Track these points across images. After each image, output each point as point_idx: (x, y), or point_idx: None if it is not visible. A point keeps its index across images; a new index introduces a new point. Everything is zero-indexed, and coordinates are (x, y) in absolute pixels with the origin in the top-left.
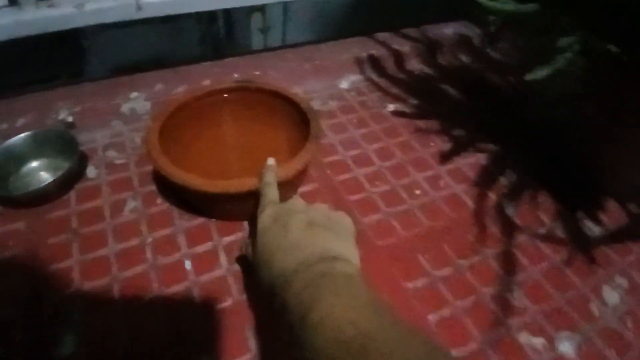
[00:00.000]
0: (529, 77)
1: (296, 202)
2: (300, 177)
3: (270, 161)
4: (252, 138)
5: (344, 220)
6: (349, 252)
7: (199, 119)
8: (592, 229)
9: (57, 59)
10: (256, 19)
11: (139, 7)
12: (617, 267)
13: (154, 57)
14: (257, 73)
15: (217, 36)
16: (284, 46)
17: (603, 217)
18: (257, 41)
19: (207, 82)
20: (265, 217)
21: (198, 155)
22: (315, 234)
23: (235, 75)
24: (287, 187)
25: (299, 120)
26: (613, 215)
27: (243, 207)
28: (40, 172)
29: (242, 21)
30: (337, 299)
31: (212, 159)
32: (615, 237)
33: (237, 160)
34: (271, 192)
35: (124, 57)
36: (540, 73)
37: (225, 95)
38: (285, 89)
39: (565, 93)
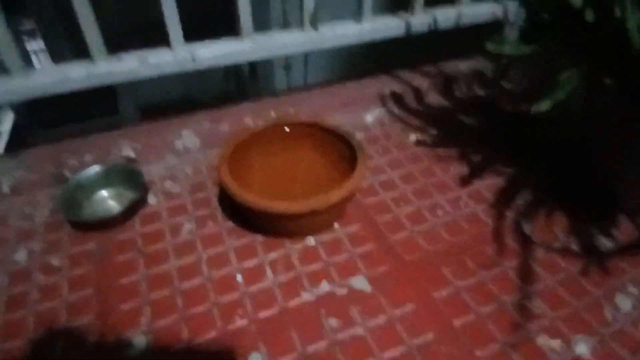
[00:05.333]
0: (535, 109)
1: None
2: (352, 196)
3: None
4: (304, 165)
5: None
6: None
7: (259, 149)
8: (605, 242)
9: (92, 99)
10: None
11: (193, 59)
12: (630, 277)
13: (182, 94)
14: (291, 110)
15: (241, 73)
16: (311, 85)
17: (615, 232)
18: (279, 78)
19: (248, 120)
20: None
21: (259, 180)
22: None
23: (272, 113)
24: (342, 204)
25: (344, 150)
26: (625, 230)
27: (303, 224)
28: (108, 200)
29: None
30: None
31: (272, 183)
32: (627, 250)
33: (291, 184)
34: None
35: (153, 94)
36: (543, 105)
37: (284, 129)
38: (332, 125)
39: (573, 118)
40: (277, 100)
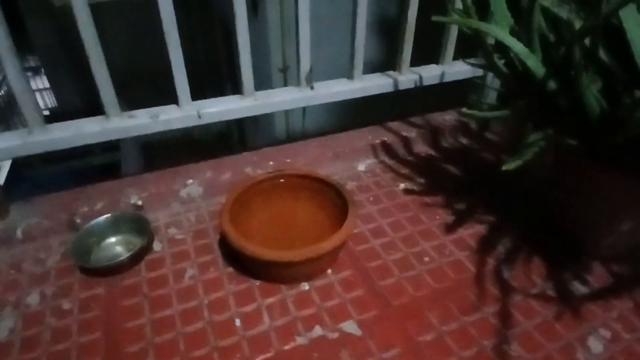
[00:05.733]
0: (504, 167)
1: None
2: (343, 244)
3: None
4: (300, 214)
5: None
6: None
7: (258, 199)
8: (579, 288)
9: None
10: None
11: (199, 116)
12: (601, 321)
13: (183, 132)
14: (288, 160)
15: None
16: (308, 136)
17: (588, 278)
18: (279, 118)
19: (248, 169)
20: None
21: (258, 228)
22: None
23: (271, 162)
24: (334, 253)
25: (336, 200)
26: (597, 275)
27: (297, 271)
28: (116, 246)
29: None
30: None
31: (270, 230)
32: (599, 294)
33: (288, 232)
34: None
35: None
36: (512, 164)
37: (282, 180)
38: (327, 176)
39: (544, 172)
40: (275, 150)
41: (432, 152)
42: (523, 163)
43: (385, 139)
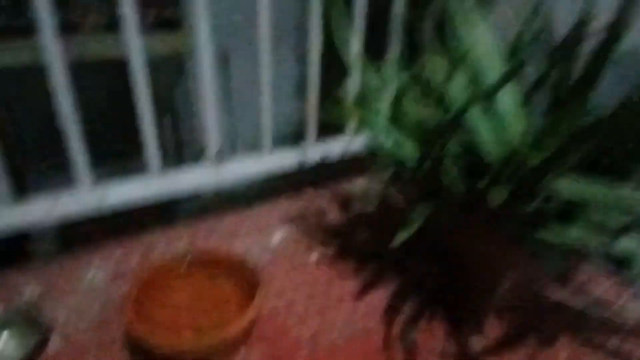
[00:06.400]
0: (394, 242)
1: None
2: (253, 323)
3: None
4: (210, 295)
5: None
6: None
7: (165, 283)
8: (476, 342)
9: None
10: None
11: (100, 207)
12: None
13: None
14: (202, 237)
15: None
16: (223, 211)
17: (485, 330)
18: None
19: (159, 249)
20: None
21: (169, 313)
22: None
23: (183, 242)
24: (243, 334)
25: (247, 277)
26: (493, 328)
27: (208, 357)
28: (6, 345)
29: None
30: None
31: (183, 313)
32: (494, 348)
33: (199, 315)
34: None
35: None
36: (400, 238)
37: (192, 261)
38: (236, 254)
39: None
40: (188, 229)
41: (343, 219)
42: (409, 235)
43: (300, 208)
